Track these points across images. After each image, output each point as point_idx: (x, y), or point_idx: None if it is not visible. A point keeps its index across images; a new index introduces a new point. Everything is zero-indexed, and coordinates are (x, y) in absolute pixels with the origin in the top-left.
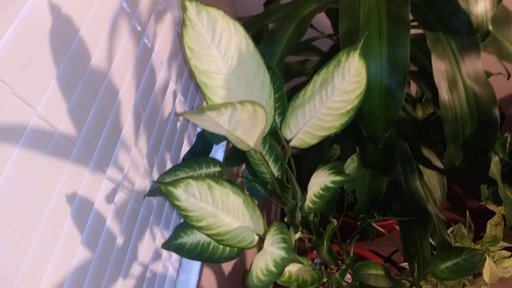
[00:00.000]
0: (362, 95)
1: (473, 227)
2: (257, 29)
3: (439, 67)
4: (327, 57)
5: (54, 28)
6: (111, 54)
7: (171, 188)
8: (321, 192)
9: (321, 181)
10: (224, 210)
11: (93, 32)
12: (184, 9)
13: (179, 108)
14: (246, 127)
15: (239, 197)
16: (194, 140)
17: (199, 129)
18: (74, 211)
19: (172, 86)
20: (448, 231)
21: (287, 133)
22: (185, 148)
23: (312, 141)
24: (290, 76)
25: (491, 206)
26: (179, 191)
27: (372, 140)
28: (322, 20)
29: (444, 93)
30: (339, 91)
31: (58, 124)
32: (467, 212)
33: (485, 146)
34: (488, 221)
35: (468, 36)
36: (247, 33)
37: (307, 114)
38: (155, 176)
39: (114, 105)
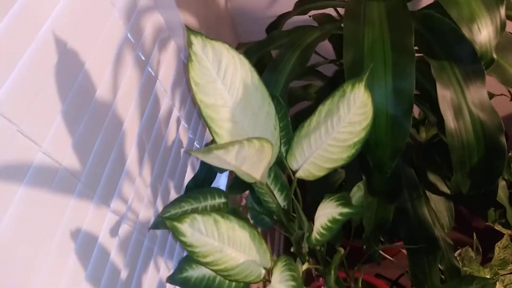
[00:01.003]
0: (369, 127)
1: (480, 250)
2: (260, 55)
3: (444, 95)
4: (331, 82)
5: (60, 63)
6: (116, 85)
7: (176, 224)
8: (329, 224)
9: (328, 212)
10: (230, 244)
11: (99, 64)
12: (189, 44)
13: (183, 135)
14: (253, 162)
15: (245, 230)
16: (197, 167)
17: None
18: (78, 247)
19: (175, 113)
20: (455, 254)
21: (293, 164)
22: (189, 175)
23: (319, 173)
24: (293, 102)
25: (498, 227)
26: (184, 227)
27: (379, 169)
28: (325, 45)
29: (450, 122)
30: (344, 122)
31: (63, 160)
32: (474, 234)
33: (493, 173)
34: (496, 244)
35: (473, 64)
36: (252, 66)
37: (312, 144)
38: (159, 205)
39: (118, 136)
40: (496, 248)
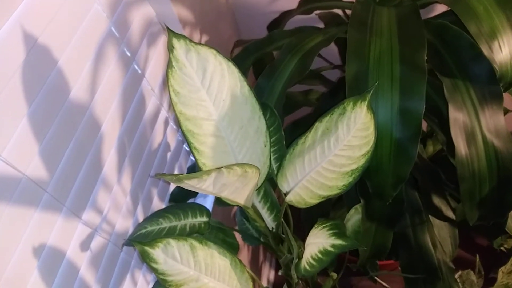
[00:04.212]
0: (369, 154)
1: (482, 273)
2: (258, 56)
3: (457, 118)
4: (334, 90)
5: (28, 60)
6: (95, 84)
7: (148, 249)
8: (320, 255)
9: (319, 242)
10: (208, 273)
11: (75, 61)
12: (171, 48)
13: (171, 137)
14: (235, 188)
15: (225, 258)
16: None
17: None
18: (41, 264)
19: (163, 113)
20: (456, 276)
21: (284, 185)
22: None
23: (311, 200)
24: (292, 108)
25: (504, 250)
26: (157, 252)
27: (379, 197)
28: (330, 47)
29: (461, 148)
30: (343, 144)
31: (27, 169)
32: (477, 256)
33: (504, 206)
34: (500, 269)
35: (490, 85)
36: (242, 75)
37: (306, 165)
38: (140, 215)
39: (95, 140)
40: (500, 273)
